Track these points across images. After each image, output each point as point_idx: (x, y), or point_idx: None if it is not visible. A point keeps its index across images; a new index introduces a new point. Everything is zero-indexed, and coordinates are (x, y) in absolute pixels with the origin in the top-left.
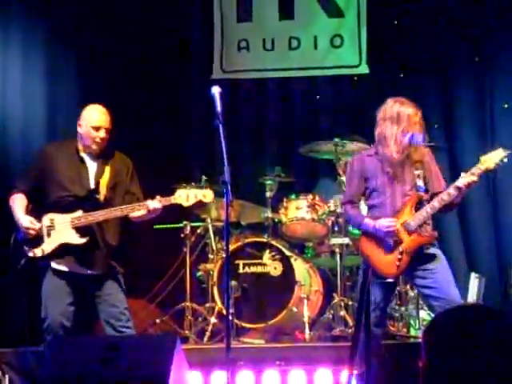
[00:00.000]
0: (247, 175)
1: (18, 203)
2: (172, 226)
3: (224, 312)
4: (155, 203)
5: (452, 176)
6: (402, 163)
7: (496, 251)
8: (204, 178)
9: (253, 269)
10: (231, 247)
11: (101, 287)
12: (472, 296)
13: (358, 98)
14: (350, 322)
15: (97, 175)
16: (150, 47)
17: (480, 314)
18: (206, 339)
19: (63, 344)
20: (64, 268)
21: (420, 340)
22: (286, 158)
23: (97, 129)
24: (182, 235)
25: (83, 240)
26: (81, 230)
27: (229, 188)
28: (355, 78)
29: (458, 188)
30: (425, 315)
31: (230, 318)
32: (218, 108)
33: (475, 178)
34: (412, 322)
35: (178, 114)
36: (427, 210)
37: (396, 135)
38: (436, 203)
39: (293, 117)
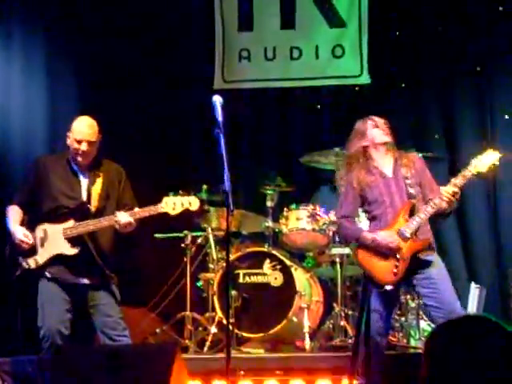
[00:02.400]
0: (248, 185)
1: (13, 215)
2: (172, 235)
3: (224, 321)
4: (124, 217)
5: None
6: (394, 173)
7: (496, 261)
8: (204, 187)
9: (253, 278)
10: (231, 257)
11: (95, 297)
12: (472, 307)
13: (360, 108)
14: (351, 332)
15: (89, 186)
16: (150, 56)
17: (484, 325)
18: (206, 349)
19: (64, 353)
20: (57, 277)
21: (420, 351)
22: (286, 167)
23: (79, 142)
24: (183, 245)
25: (75, 250)
26: (73, 241)
27: (229, 197)
28: (356, 88)
29: (450, 190)
30: (425, 326)
31: (231, 327)
32: (219, 117)
33: (464, 181)
34: (412, 332)
35: (178, 123)
36: (420, 215)
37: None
38: (429, 208)
39: (294, 126)
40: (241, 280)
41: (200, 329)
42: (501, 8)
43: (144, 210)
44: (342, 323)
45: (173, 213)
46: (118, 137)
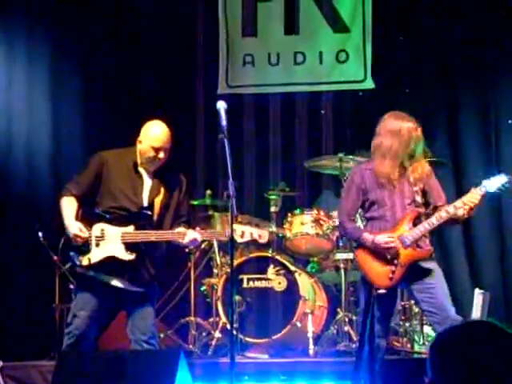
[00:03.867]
0: (252, 190)
1: (69, 207)
2: None
3: (228, 326)
4: (194, 234)
5: (456, 190)
6: (400, 177)
7: (500, 267)
8: (208, 192)
9: (257, 283)
10: (235, 262)
11: (136, 299)
12: (476, 312)
13: (363, 113)
14: (355, 337)
15: (151, 193)
16: (154, 61)
17: (488, 331)
18: (210, 353)
19: (69, 357)
20: (106, 280)
21: (424, 356)
22: (290, 172)
23: (157, 150)
24: (187, 249)
25: (131, 257)
26: (130, 246)
27: (233, 202)
28: (360, 93)
29: (456, 207)
30: (429, 331)
31: (234, 332)
32: (223, 122)
33: (476, 201)
34: (416, 337)
35: (182, 128)
36: (425, 225)
37: (395, 149)
38: (434, 220)
39: (298, 132)
40: (245, 285)
41: (204, 334)
42: (504, 13)
43: (210, 233)
44: (346, 328)
45: (239, 240)
46: (121, 140)
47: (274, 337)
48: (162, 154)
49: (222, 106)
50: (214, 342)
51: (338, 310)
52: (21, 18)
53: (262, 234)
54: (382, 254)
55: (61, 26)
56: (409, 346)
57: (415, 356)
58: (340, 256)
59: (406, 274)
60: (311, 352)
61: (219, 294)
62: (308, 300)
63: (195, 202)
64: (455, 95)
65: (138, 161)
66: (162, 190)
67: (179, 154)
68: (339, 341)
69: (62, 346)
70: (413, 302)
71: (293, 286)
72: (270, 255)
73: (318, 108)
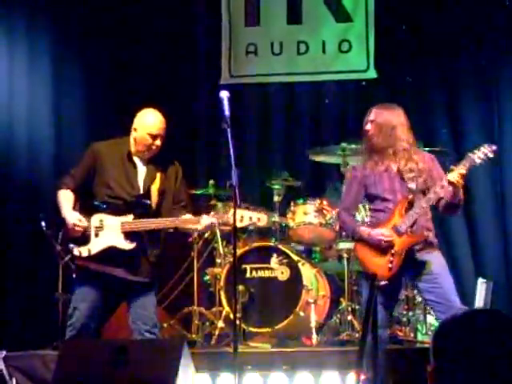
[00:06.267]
0: (255, 179)
1: (66, 199)
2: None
3: (231, 316)
4: (210, 219)
5: None
6: (398, 168)
7: (504, 256)
8: (211, 181)
9: (260, 273)
10: (238, 251)
11: (137, 289)
12: (479, 301)
13: (366, 102)
14: (357, 327)
15: (146, 180)
16: (157, 52)
17: (492, 319)
18: (213, 343)
19: (72, 347)
20: (106, 271)
21: (427, 345)
22: (293, 162)
23: (154, 137)
24: (190, 239)
25: (131, 246)
26: (129, 235)
27: (236, 192)
28: (363, 83)
29: (443, 186)
30: (432, 320)
31: (237, 322)
32: (226, 112)
33: (464, 171)
34: (419, 326)
35: (185, 118)
36: (415, 210)
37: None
38: (423, 202)
39: (300, 121)
40: (248, 275)
41: (207, 323)
42: (507, 2)
43: (222, 215)
44: (349, 318)
45: (239, 225)
46: (121, 129)
47: (277, 326)
48: (158, 141)
49: (225, 95)
50: (216, 332)
51: (341, 299)
52: (21, 7)
53: (260, 217)
54: (379, 246)
55: (62, 16)
56: (412, 335)
57: (418, 345)
58: (343, 245)
59: (404, 262)
60: (314, 341)
61: (222, 283)
62: (311, 289)
63: (198, 192)
64: (458, 84)
65: (132, 149)
66: (158, 177)
67: (182, 143)
68: (342, 330)
69: (65, 337)
70: (416, 291)
71: (296, 275)
72: (273, 245)
73: (320, 97)
